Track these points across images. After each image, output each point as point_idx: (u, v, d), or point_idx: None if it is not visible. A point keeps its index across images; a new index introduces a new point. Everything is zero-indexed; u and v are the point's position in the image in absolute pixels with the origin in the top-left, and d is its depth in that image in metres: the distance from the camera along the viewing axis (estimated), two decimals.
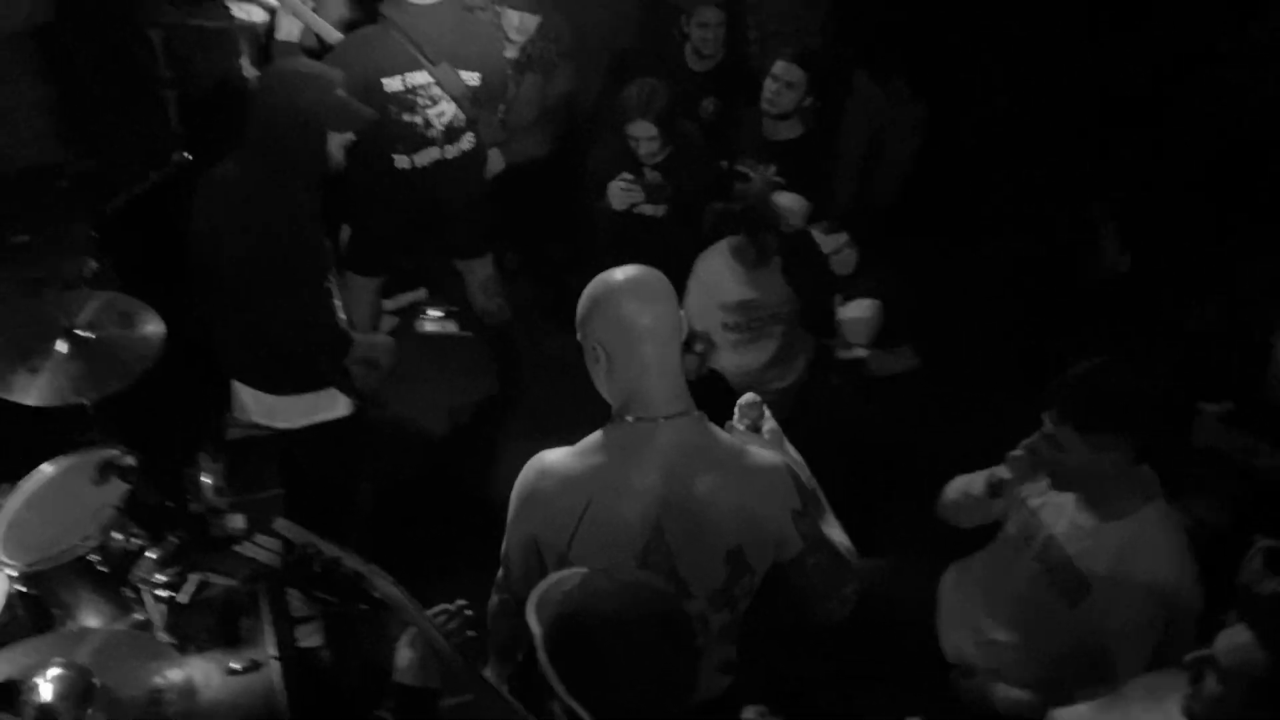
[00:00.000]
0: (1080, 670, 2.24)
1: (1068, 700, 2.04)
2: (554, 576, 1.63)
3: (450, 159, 3.73)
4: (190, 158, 3.81)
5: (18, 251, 3.40)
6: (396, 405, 4.25)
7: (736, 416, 2.15)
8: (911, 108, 4.82)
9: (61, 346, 2.76)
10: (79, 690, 2.02)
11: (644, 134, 3.64)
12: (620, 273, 1.90)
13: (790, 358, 3.74)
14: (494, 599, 2.17)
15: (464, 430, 4.36)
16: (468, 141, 3.75)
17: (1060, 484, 2.30)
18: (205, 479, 2.95)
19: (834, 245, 3.71)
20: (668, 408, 1.88)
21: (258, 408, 3.07)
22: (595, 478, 1.88)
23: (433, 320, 4.68)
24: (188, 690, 2.16)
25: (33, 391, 2.68)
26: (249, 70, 3.43)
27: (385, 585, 1.88)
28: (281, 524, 2.21)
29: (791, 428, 2.21)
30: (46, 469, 2.68)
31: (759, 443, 2.04)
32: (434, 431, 4.35)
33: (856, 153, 4.97)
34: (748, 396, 2.18)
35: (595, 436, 1.93)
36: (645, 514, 1.87)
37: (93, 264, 3.33)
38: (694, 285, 3.64)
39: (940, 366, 4.27)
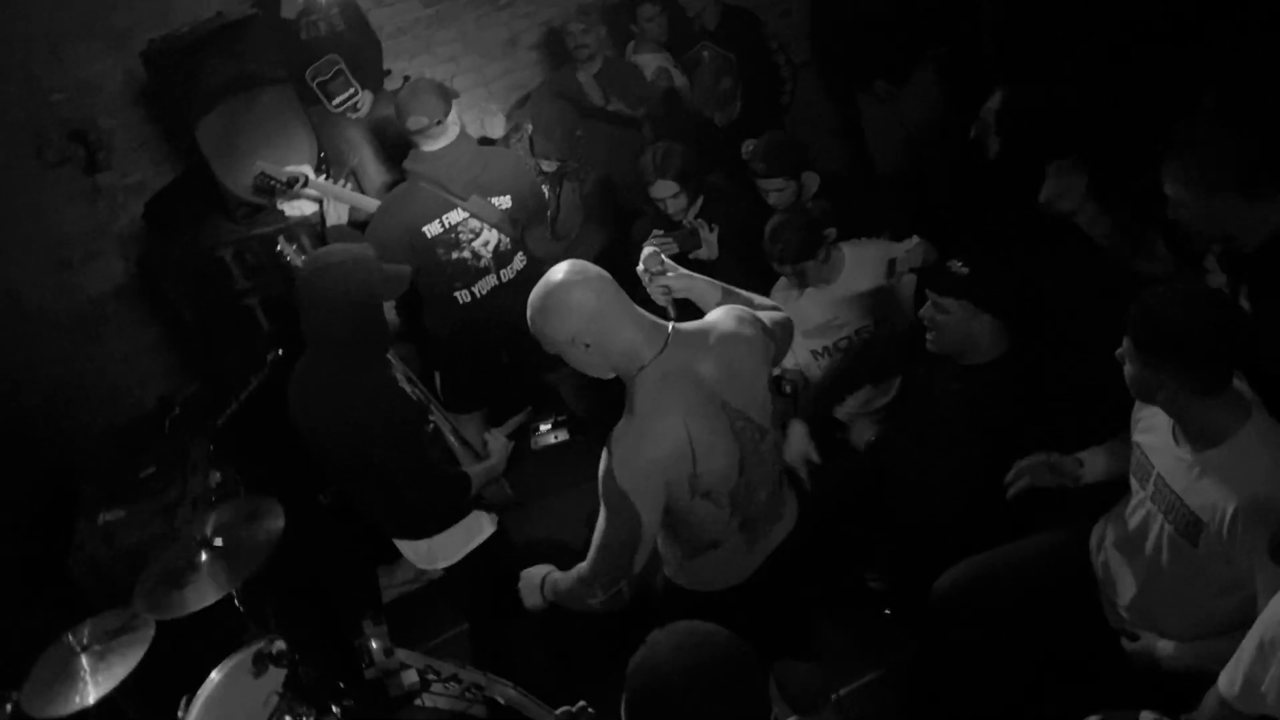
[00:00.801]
0: (1229, 611, 2.12)
1: (1229, 651, 1.90)
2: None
3: (507, 281, 3.87)
4: (282, 353, 4.04)
5: (149, 483, 3.66)
6: (536, 527, 4.31)
7: (641, 269, 2.54)
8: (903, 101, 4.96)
9: (203, 557, 2.97)
10: None
11: (666, 193, 3.77)
12: (548, 279, 2.26)
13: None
14: (599, 596, 2.37)
15: None
16: (519, 261, 3.89)
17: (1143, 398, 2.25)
18: (373, 643, 3.07)
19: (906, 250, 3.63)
20: (660, 340, 2.25)
21: (418, 556, 3.20)
22: (676, 412, 2.21)
23: (544, 434, 4.79)
24: None
25: (189, 603, 2.84)
26: (296, 260, 3.64)
27: (507, 690, 1.98)
28: (400, 652, 2.32)
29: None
30: (214, 676, 2.85)
31: (680, 283, 2.52)
32: (575, 544, 4.38)
33: (894, 148, 5.04)
34: (646, 251, 2.57)
35: (641, 398, 2.23)
36: (713, 406, 2.26)
37: (217, 476, 3.55)
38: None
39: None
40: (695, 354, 2.27)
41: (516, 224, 3.82)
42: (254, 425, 3.90)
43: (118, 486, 3.70)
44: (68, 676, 2.94)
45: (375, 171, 4.46)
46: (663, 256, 2.56)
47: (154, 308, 4.97)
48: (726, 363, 2.29)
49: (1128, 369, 2.20)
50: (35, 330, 4.80)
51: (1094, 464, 2.64)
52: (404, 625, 3.68)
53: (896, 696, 3.32)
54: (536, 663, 3.60)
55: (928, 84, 4.99)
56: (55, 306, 4.84)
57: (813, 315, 3.53)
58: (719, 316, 2.38)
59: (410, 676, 3.11)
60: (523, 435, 4.80)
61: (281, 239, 3.75)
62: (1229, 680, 1.91)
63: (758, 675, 1.47)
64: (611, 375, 2.31)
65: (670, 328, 2.29)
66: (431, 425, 3.10)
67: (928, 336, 2.99)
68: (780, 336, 2.48)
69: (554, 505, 4.43)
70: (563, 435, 4.71)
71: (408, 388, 3.05)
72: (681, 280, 2.54)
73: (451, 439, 3.17)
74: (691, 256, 3.84)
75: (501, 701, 2.07)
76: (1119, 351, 2.21)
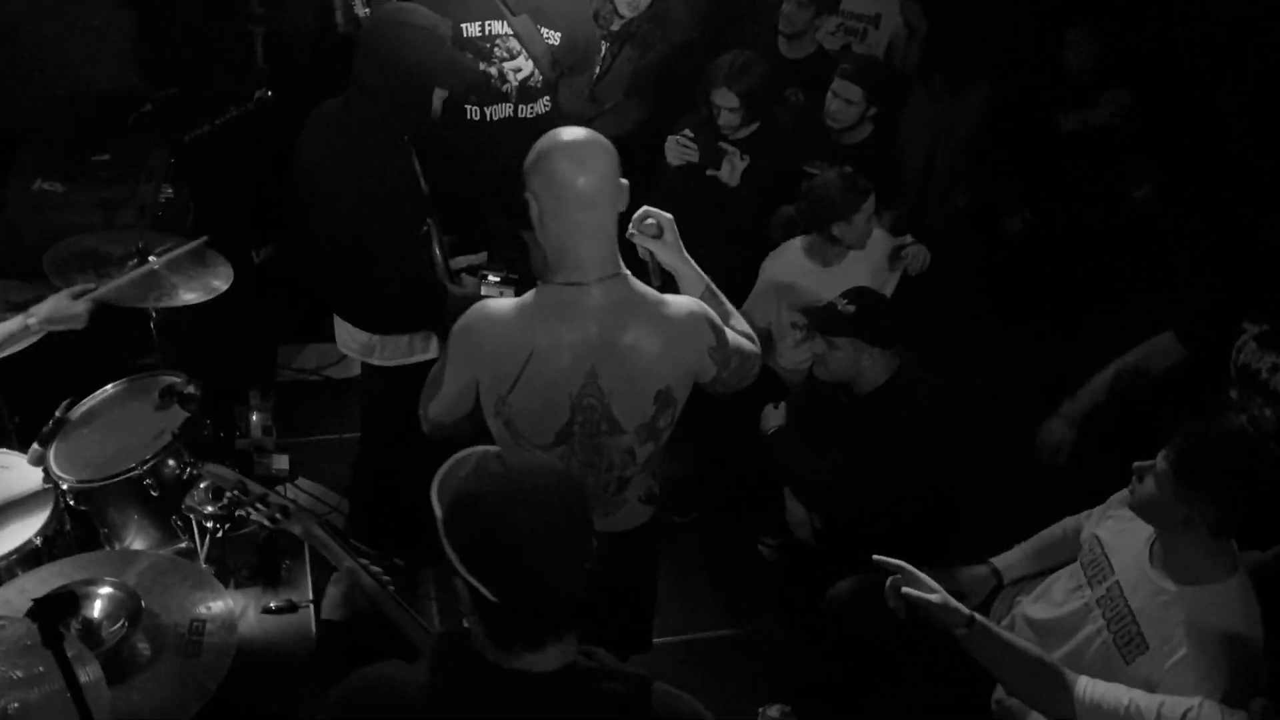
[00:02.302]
0: None
1: None
2: (454, 459, 1.71)
3: (523, 118, 3.68)
4: (271, 94, 3.80)
5: (98, 169, 3.41)
6: None
7: (631, 230, 2.27)
8: (954, 102, 4.90)
9: (134, 263, 2.79)
10: (128, 611, 2.04)
11: (725, 103, 3.63)
12: (566, 133, 2.03)
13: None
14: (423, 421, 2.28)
15: None
16: (544, 104, 3.69)
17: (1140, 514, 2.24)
18: (255, 417, 2.96)
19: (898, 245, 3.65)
20: (598, 271, 2.03)
21: (354, 343, 3.07)
22: (538, 333, 2.03)
23: (490, 285, 4.65)
24: (228, 623, 2.17)
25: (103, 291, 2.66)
26: (360, 9, 3.39)
27: (309, 525, 2.09)
28: (213, 467, 2.30)
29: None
30: (109, 389, 2.71)
31: (667, 256, 2.27)
32: None
33: (918, 151, 4.99)
34: (640, 212, 2.28)
35: (531, 295, 2.08)
36: (580, 363, 2.05)
37: (169, 191, 3.34)
38: (761, 283, 3.60)
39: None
40: (612, 314, 2.04)
41: (556, 65, 3.63)
42: (217, 155, 3.66)
43: (64, 161, 3.44)
44: None
45: None
46: (662, 225, 2.28)
47: None
48: (633, 342, 2.05)
49: (1148, 489, 2.17)
50: None
51: (1013, 569, 2.70)
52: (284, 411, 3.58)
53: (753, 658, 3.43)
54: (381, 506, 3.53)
55: (981, 103, 4.96)
56: None
57: (811, 292, 3.49)
58: (678, 302, 2.13)
59: (282, 462, 3.04)
60: (471, 275, 4.66)
61: None
62: None
63: (585, 512, 1.44)
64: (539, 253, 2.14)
65: (617, 273, 2.07)
66: (427, 228, 2.97)
67: (815, 369, 3.10)
68: (731, 367, 2.19)
69: None
70: (509, 292, 4.57)
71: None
72: (669, 254, 2.28)
73: (438, 251, 3.05)
74: (709, 173, 3.75)
75: (297, 532, 2.09)
76: (1139, 466, 2.20)
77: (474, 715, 1.41)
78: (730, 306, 2.32)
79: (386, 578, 2.00)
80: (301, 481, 3.68)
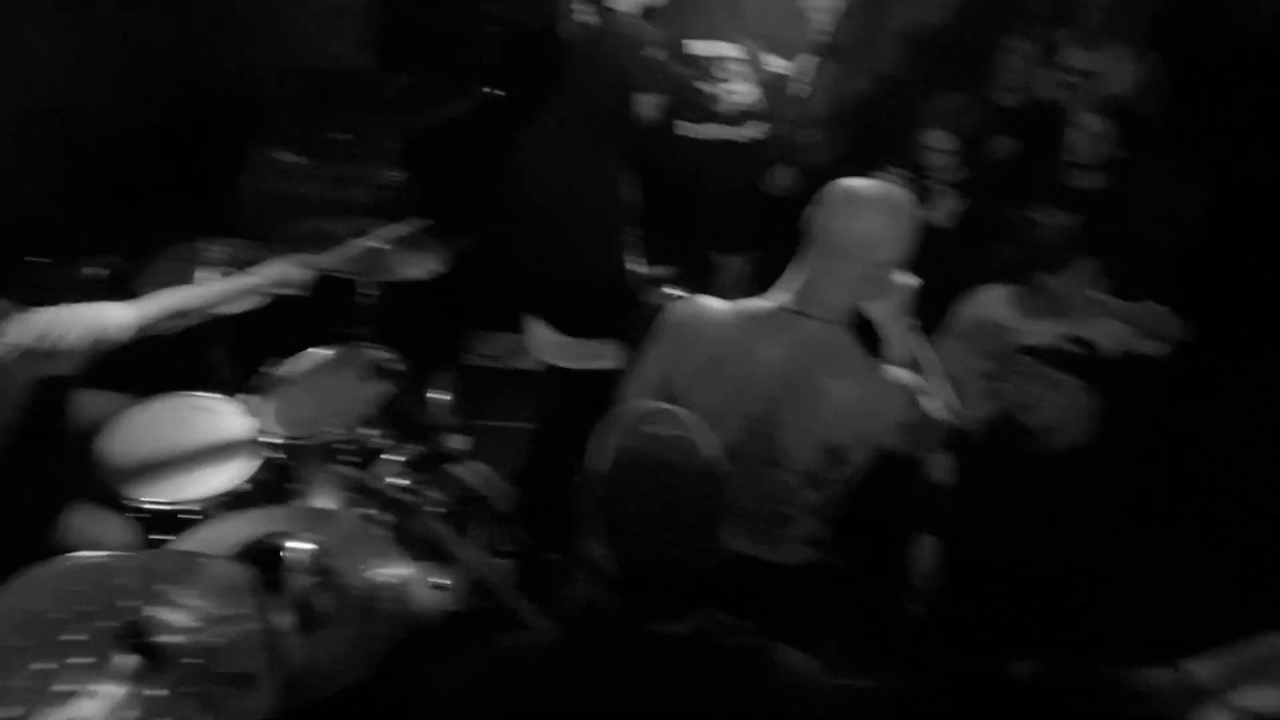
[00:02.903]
0: None
1: None
2: (632, 410, 1.69)
3: (734, 142, 3.71)
4: (499, 94, 3.95)
5: (336, 147, 3.62)
6: None
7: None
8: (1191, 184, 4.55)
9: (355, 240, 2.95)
10: (318, 567, 2.14)
11: (940, 145, 3.56)
12: (857, 181, 2.06)
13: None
14: None
15: None
16: (756, 129, 3.72)
17: None
18: (440, 396, 3.08)
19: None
20: (824, 311, 2.06)
21: (540, 341, 3.16)
22: (736, 338, 2.08)
23: (669, 299, 4.70)
24: (405, 593, 2.25)
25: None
26: (583, 15, 3.50)
27: (432, 523, 2.06)
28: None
29: None
30: (323, 353, 2.86)
31: (880, 315, 2.19)
32: None
33: (1149, 214, 4.72)
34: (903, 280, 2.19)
35: (752, 304, 2.12)
36: (764, 385, 2.07)
37: (394, 174, 3.51)
38: (957, 327, 3.49)
39: None
40: (815, 352, 2.05)
41: (776, 94, 3.65)
42: (441, 145, 3.84)
43: (306, 135, 3.67)
44: (179, 280, 2.97)
45: None
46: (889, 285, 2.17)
47: None
48: (823, 387, 2.04)
49: None
50: None
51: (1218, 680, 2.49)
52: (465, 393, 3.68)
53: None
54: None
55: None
56: None
57: (1017, 340, 3.35)
58: (888, 371, 2.12)
59: (460, 442, 3.15)
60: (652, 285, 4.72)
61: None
62: None
63: (719, 504, 1.50)
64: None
65: (844, 326, 2.08)
66: (626, 237, 3.04)
67: (1018, 414, 2.98)
68: (918, 443, 2.19)
69: None
70: None
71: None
72: (883, 314, 2.20)
73: (634, 261, 3.11)
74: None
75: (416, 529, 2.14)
76: None
77: (610, 671, 1.47)
78: (938, 378, 2.27)
79: (506, 569, 2.04)
80: (472, 464, 3.83)
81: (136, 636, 1.70)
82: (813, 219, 2.07)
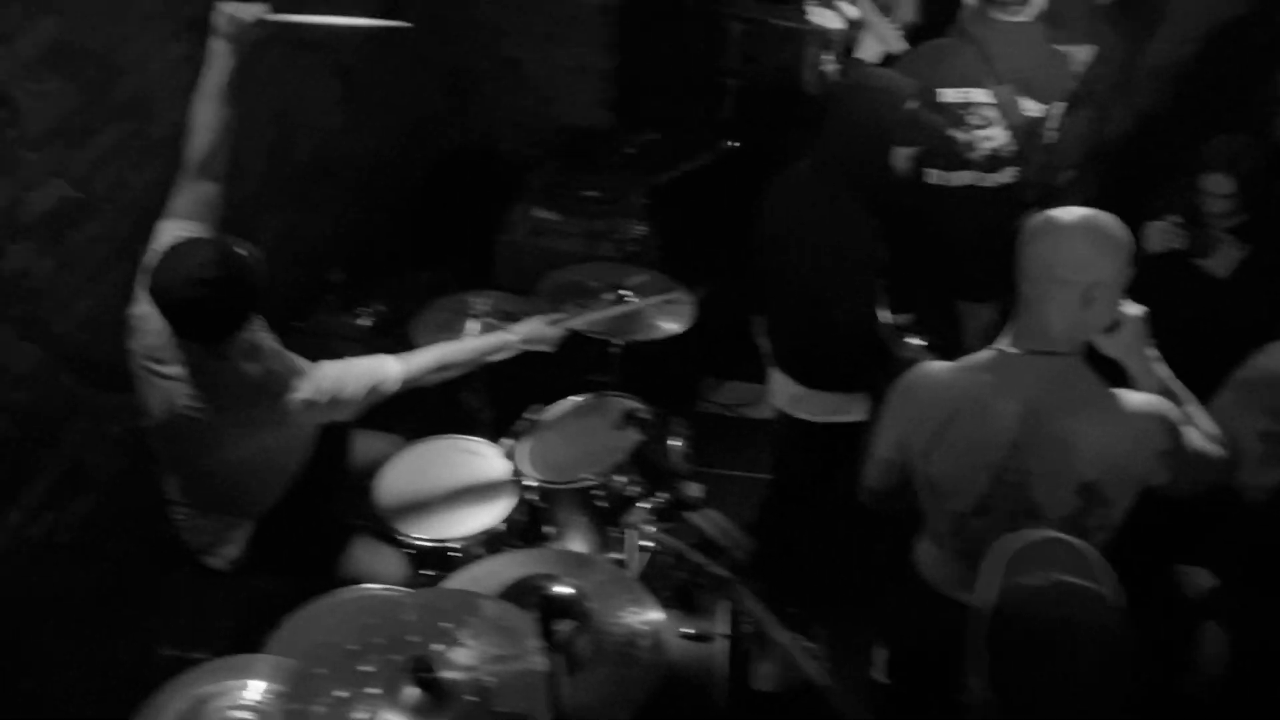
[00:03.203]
0: None
1: None
2: (1025, 537, 1.61)
3: (985, 187, 3.60)
4: (738, 145, 4.02)
5: (587, 203, 3.79)
6: None
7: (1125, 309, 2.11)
8: None
9: (606, 297, 3.07)
10: (579, 611, 2.21)
11: (1218, 189, 3.30)
12: (1066, 211, 2.03)
13: None
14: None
15: None
16: (1009, 175, 3.59)
17: None
18: (675, 443, 3.12)
19: None
20: (1050, 345, 2.00)
21: (786, 395, 3.17)
22: (964, 393, 2.05)
23: (912, 347, 4.59)
24: (660, 640, 2.28)
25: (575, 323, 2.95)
26: (828, 68, 3.53)
27: (746, 598, 2.13)
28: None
29: None
30: (576, 400, 2.97)
31: (1116, 351, 2.10)
32: None
33: None
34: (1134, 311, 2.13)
35: (977, 356, 2.10)
36: (1001, 434, 2.01)
37: (641, 228, 3.63)
38: (1244, 379, 3.23)
39: None
40: (1051, 390, 1.99)
41: (1032, 137, 3.53)
42: (684, 197, 3.94)
43: (559, 192, 3.86)
44: (450, 330, 3.17)
45: (910, 11, 4.21)
46: (1121, 319, 2.12)
47: (631, 38, 5.00)
48: (1067, 426, 1.97)
49: None
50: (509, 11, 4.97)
51: None
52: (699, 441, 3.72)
53: None
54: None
55: None
56: None
57: None
58: (1135, 398, 2.02)
59: (695, 490, 3.17)
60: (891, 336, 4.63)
61: (814, 45, 3.63)
62: None
63: (1128, 663, 1.32)
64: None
65: (1075, 357, 2.02)
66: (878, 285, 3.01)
67: None
68: (1188, 475, 2.04)
69: None
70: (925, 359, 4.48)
71: None
72: (1120, 350, 2.12)
73: (884, 313, 3.07)
74: (1199, 261, 3.44)
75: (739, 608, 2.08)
76: None
77: None
78: (1193, 406, 2.15)
79: (819, 654, 2.01)
80: (709, 512, 3.86)
81: (422, 671, 1.81)
82: (1021, 255, 2.04)
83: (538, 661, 1.85)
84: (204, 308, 2.21)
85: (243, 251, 2.27)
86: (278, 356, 2.41)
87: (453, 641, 1.91)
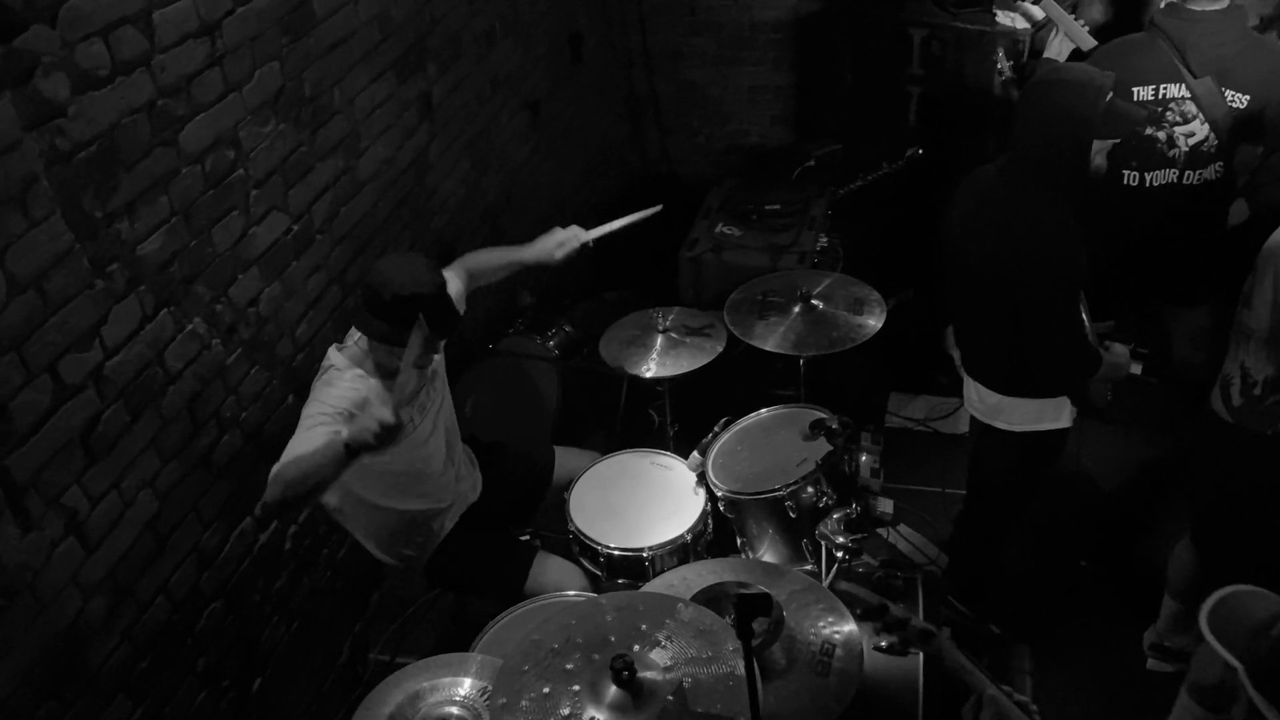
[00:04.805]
0: None
1: None
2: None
3: (1187, 185, 3.39)
4: (921, 152, 3.95)
5: (769, 217, 3.80)
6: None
7: None
8: None
9: (796, 309, 3.06)
10: (775, 620, 2.21)
11: None
12: None
13: None
14: None
15: None
16: (1214, 171, 3.37)
17: None
18: (865, 458, 3.06)
19: None
20: None
21: (983, 405, 3.08)
22: None
23: (1117, 356, 4.35)
24: (855, 651, 2.25)
25: (768, 339, 2.97)
26: (1008, 72, 3.43)
27: (952, 651, 2.01)
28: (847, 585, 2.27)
29: None
30: (764, 413, 2.98)
31: None
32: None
33: None
34: None
35: None
36: None
37: (824, 240, 3.61)
38: None
39: None
40: None
41: (1238, 130, 3.30)
42: (868, 207, 3.90)
43: (741, 207, 3.89)
44: (638, 344, 3.25)
45: (1099, 9, 4.05)
46: None
47: (808, 54, 5.00)
48: None
49: None
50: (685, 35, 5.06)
51: None
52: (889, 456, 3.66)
53: None
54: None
55: None
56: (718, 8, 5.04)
57: None
58: None
59: (886, 506, 3.09)
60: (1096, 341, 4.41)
61: (1001, 48, 3.53)
62: None
63: None
64: None
65: None
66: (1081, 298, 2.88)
67: None
68: None
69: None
70: (1136, 369, 4.24)
71: None
72: None
73: (1085, 316, 2.94)
74: None
75: (945, 664, 1.99)
76: None
77: None
78: None
79: (1034, 708, 1.93)
80: (902, 528, 3.76)
81: (623, 671, 1.85)
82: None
83: (732, 665, 1.85)
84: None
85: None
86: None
87: (653, 643, 1.95)
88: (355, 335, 2.54)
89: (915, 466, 4.18)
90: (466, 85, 3.68)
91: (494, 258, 2.92)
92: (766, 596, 1.66)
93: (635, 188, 5.07)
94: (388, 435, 2.14)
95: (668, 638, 1.96)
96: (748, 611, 1.68)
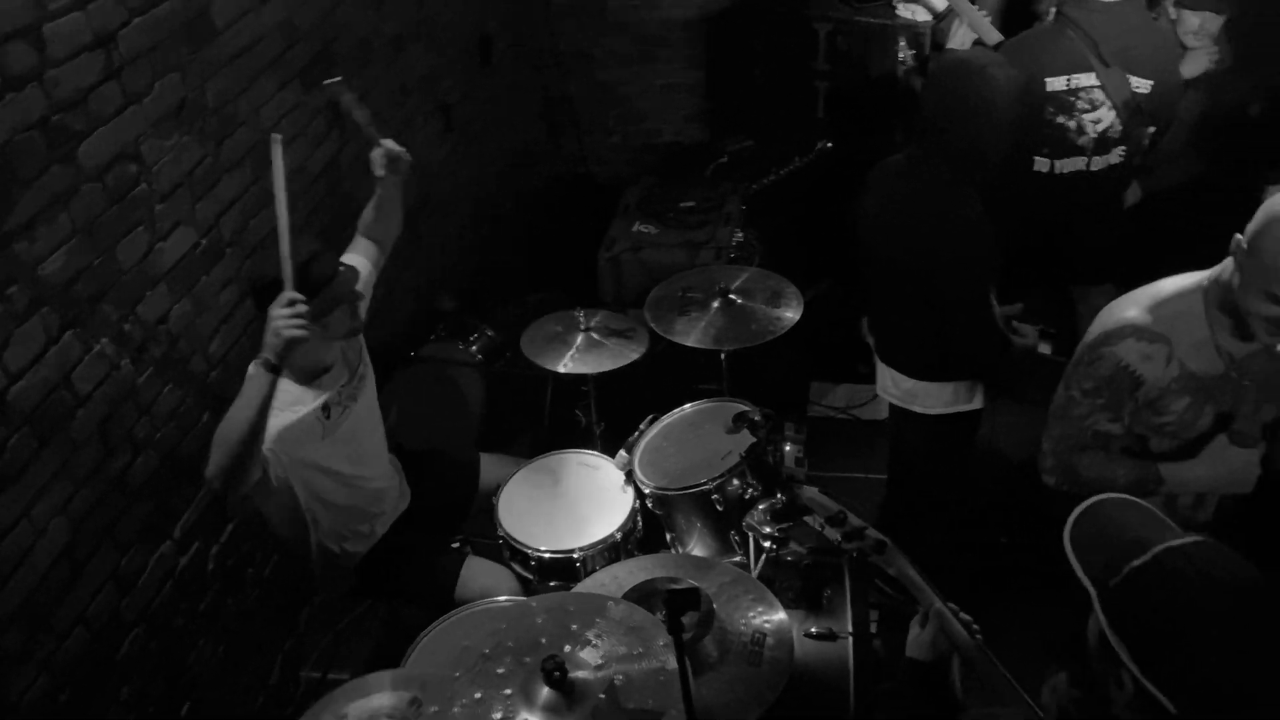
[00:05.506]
0: None
1: None
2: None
3: (1094, 171, 3.51)
4: (831, 145, 4.01)
5: (684, 214, 3.83)
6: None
7: None
8: None
9: (715, 304, 3.09)
10: (705, 613, 2.23)
11: None
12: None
13: None
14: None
15: None
16: (1117, 155, 3.50)
17: None
18: (788, 448, 3.10)
19: None
20: None
21: (898, 391, 3.14)
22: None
23: (1026, 336, 4.48)
24: (785, 640, 2.28)
25: (689, 335, 2.99)
26: (907, 62, 3.50)
27: (902, 563, 1.99)
28: (810, 491, 2.29)
29: None
30: (689, 408, 3.00)
31: None
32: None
33: None
34: None
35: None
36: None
37: (740, 235, 3.65)
38: None
39: None
40: None
41: (1138, 115, 3.42)
42: (781, 201, 3.95)
43: (657, 206, 3.91)
44: (559, 342, 3.25)
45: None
46: None
47: (718, 51, 5.05)
48: None
49: None
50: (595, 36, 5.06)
51: None
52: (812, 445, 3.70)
53: None
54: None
55: None
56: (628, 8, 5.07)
57: None
58: None
59: (811, 494, 3.14)
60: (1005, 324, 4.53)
61: (903, 40, 3.61)
62: None
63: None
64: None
65: None
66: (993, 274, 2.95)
67: None
68: None
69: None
70: (1045, 348, 4.37)
71: None
72: None
73: (994, 300, 3.02)
74: None
75: (891, 571, 2.02)
76: None
77: None
78: None
79: (975, 626, 1.97)
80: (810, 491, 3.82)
81: (554, 672, 1.85)
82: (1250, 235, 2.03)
83: (663, 661, 1.87)
84: None
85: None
86: None
87: (583, 643, 1.96)
88: None
89: (838, 454, 4.27)
90: (377, 91, 3.64)
91: (367, 213, 2.81)
92: (695, 590, 1.68)
93: (554, 188, 5.07)
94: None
95: (598, 636, 1.97)
96: (677, 606, 1.70)
